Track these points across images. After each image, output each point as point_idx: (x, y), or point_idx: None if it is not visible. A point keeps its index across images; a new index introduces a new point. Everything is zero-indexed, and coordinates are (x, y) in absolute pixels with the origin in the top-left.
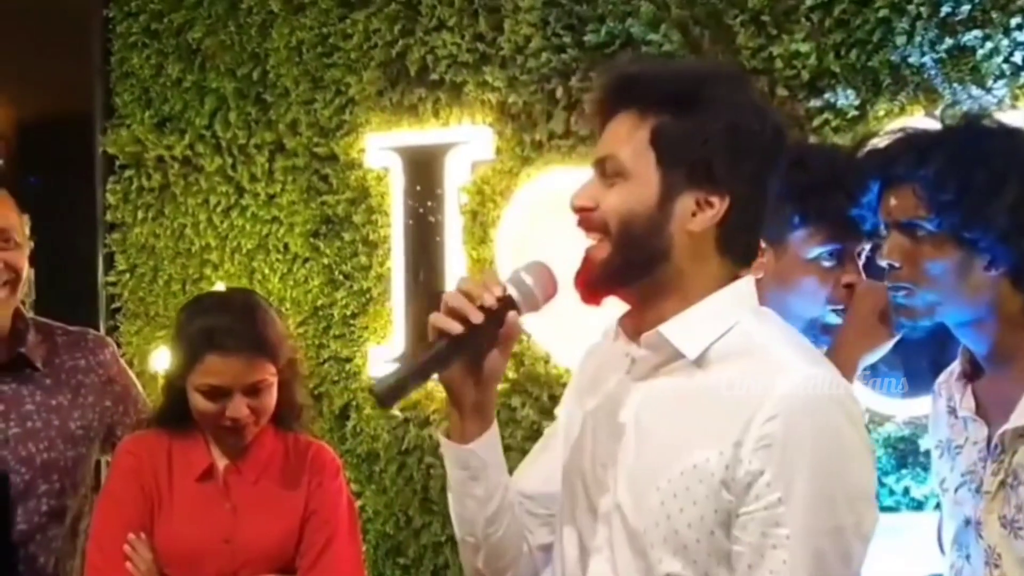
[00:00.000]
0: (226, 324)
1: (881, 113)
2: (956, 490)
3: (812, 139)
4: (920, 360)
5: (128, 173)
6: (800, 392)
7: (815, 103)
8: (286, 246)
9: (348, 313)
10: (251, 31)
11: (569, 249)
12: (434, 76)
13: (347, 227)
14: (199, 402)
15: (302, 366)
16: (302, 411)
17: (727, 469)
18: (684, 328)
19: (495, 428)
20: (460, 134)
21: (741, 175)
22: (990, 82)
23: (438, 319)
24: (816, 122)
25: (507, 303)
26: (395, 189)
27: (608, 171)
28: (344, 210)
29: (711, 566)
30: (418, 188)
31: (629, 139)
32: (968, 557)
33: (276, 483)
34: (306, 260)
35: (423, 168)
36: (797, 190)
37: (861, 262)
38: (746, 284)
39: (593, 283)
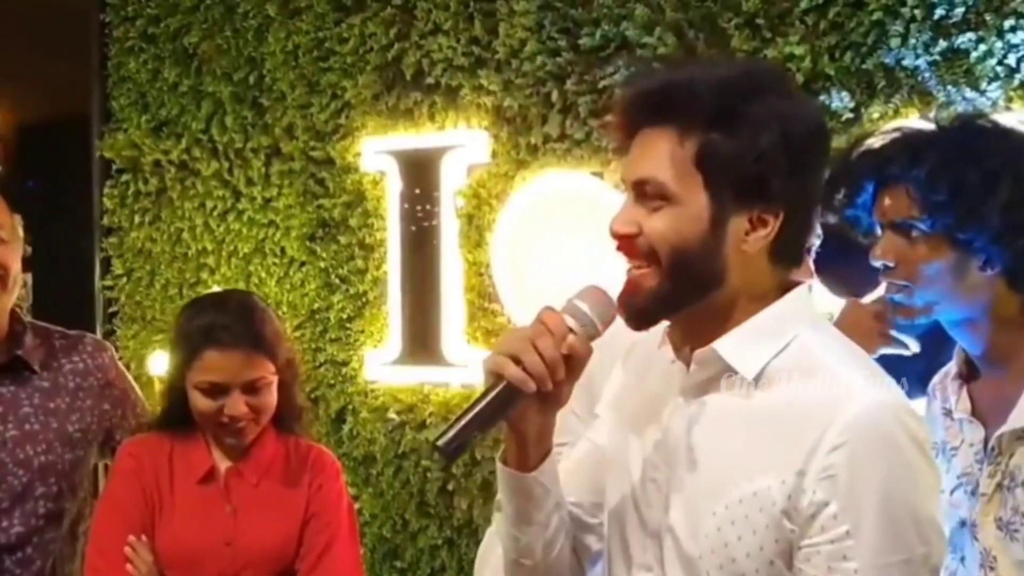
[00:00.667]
0: (224, 321)
1: (876, 115)
2: (952, 492)
3: None
4: (916, 362)
5: (125, 177)
6: (867, 419)
7: None
8: (282, 250)
9: (344, 316)
10: (247, 35)
11: (564, 252)
12: (430, 80)
13: (343, 231)
14: (198, 400)
15: (300, 366)
16: (302, 413)
17: (789, 499)
18: (739, 344)
19: (555, 451)
20: (456, 138)
21: (796, 188)
22: (984, 84)
23: (506, 369)
24: None
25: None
26: (391, 193)
27: (649, 194)
28: (340, 214)
29: None
30: (414, 192)
31: (671, 160)
32: (963, 559)
33: (277, 486)
34: (302, 264)
35: (419, 172)
36: None
37: (811, 257)
38: (802, 294)
39: (641, 312)
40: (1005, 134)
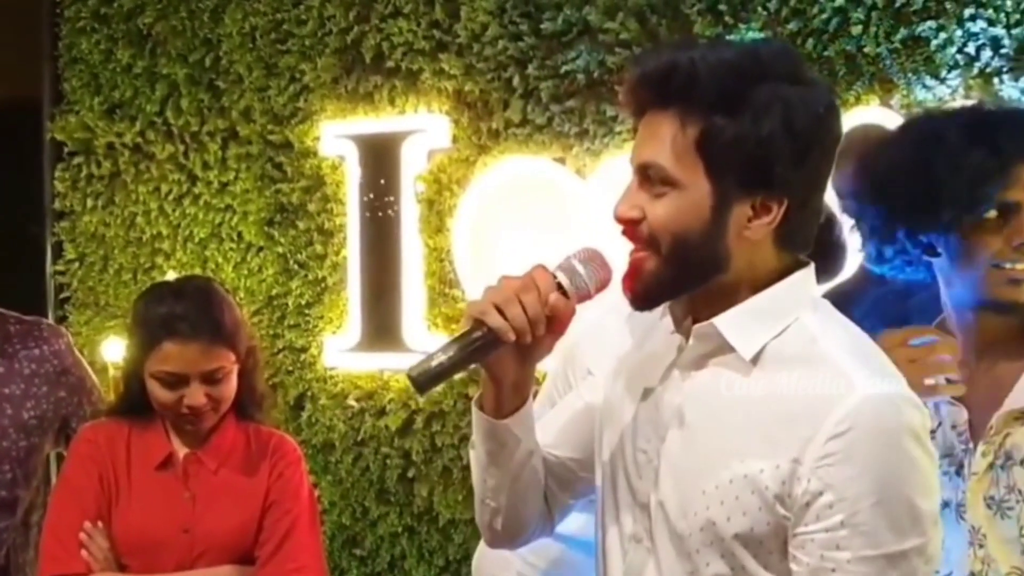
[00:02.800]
0: (182, 311)
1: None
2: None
3: None
4: None
5: (77, 160)
6: (867, 410)
7: None
8: (239, 235)
9: (303, 303)
10: (203, 16)
11: (525, 238)
12: (390, 64)
13: (302, 216)
14: (157, 390)
15: (261, 353)
16: (263, 400)
17: (783, 485)
18: (739, 323)
19: (531, 401)
20: (416, 122)
21: (799, 176)
22: (944, 72)
23: (488, 316)
24: None
25: (557, 290)
26: (350, 177)
27: (653, 179)
28: (299, 198)
29: (760, 572)
30: (374, 177)
31: (672, 144)
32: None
33: (236, 473)
34: (260, 249)
35: (379, 156)
36: None
37: None
38: (804, 276)
39: (644, 294)
40: None
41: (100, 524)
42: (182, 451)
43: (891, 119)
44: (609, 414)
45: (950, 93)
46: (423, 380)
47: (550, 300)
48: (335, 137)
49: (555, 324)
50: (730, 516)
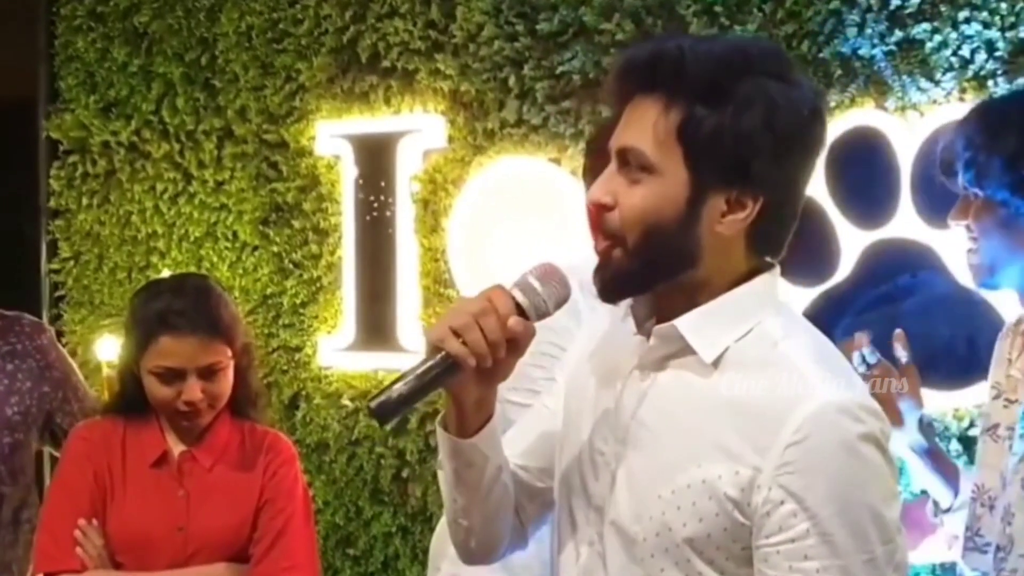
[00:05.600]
0: (180, 306)
1: (832, 105)
2: (1004, 439)
3: None
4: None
5: (72, 159)
6: (826, 417)
7: None
8: (235, 234)
9: (298, 302)
10: (199, 15)
11: (520, 238)
12: (386, 63)
13: (297, 215)
14: (153, 386)
15: (256, 352)
16: (258, 398)
17: (742, 492)
18: (701, 325)
19: (495, 419)
20: (412, 122)
21: (778, 174)
22: (939, 75)
23: (447, 343)
24: None
25: (516, 310)
26: (346, 177)
27: (631, 164)
28: (294, 198)
29: None
30: (369, 176)
31: (654, 130)
32: (991, 507)
33: (231, 471)
34: (255, 248)
35: (374, 156)
36: None
37: None
38: (769, 279)
39: (612, 286)
40: None
41: (95, 522)
42: (177, 449)
43: (886, 122)
44: (569, 416)
45: (945, 96)
46: (383, 412)
47: (509, 323)
48: (330, 137)
49: (516, 346)
50: (686, 522)
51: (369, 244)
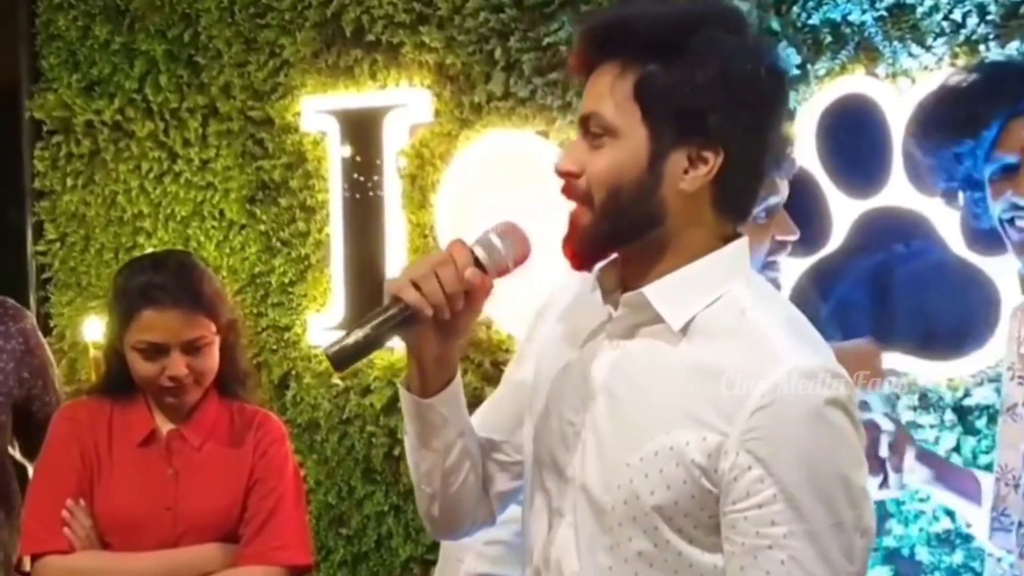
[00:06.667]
0: (161, 280)
1: (822, 72)
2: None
3: None
4: (861, 320)
5: (56, 139)
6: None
7: None
8: (221, 213)
9: (286, 280)
10: None
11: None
12: (370, 37)
13: (284, 192)
14: (137, 362)
15: (244, 329)
16: (246, 378)
17: (710, 457)
18: (669, 293)
19: (458, 380)
20: (398, 96)
21: (736, 126)
22: (930, 40)
23: (405, 292)
24: None
25: (475, 264)
26: (332, 153)
27: (593, 130)
28: (280, 175)
29: (684, 547)
30: (356, 152)
31: (611, 93)
32: (1016, 486)
33: (220, 450)
34: (242, 227)
35: (360, 131)
36: None
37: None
38: (738, 247)
39: (579, 251)
40: None
41: (82, 502)
42: (165, 427)
43: (876, 88)
44: (539, 388)
45: (936, 61)
46: (340, 358)
47: (466, 274)
48: (316, 112)
49: (473, 299)
50: (654, 489)
51: (357, 221)
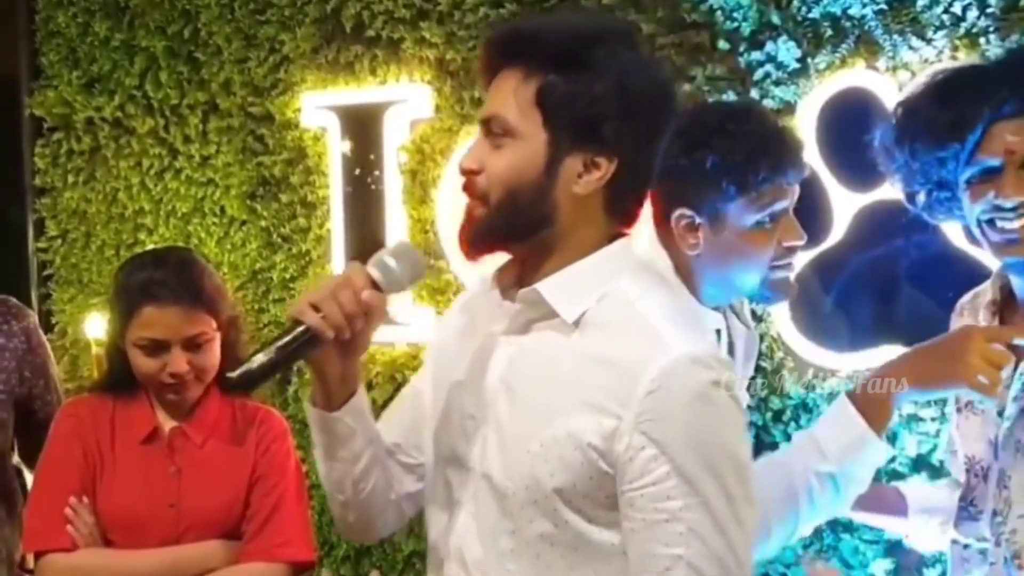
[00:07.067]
0: (161, 276)
1: (822, 66)
2: (982, 411)
3: (754, 93)
4: (862, 314)
5: (57, 136)
6: (678, 367)
7: (756, 56)
8: (222, 209)
9: (287, 276)
10: None
11: None
12: (370, 33)
13: (284, 188)
14: (139, 359)
15: (245, 326)
16: None
17: (605, 440)
18: (562, 288)
19: (361, 392)
20: (398, 92)
21: (629, 137)
22: (930, 33)
23: (306, 315)
24: (757, 75)
25: (371, 286)
26: (333, 149)
27: (495, 131)
28: (281, 171)
29: (583, 527)
30: (356, 148)
31: (515, 98)
32: (984, 477)
33: (223, 447)
34: (243, 223)
35: (361, 127)
36: (728, 162)
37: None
38: (623, 244)
39: (473, 242)
40: None
41: (85, 499)
42: (168, 425)
43: (877, 82)
44: (438, 389)
45: (936, 54)
46: (244, 382)
47: (364, 296)
48: (316, 108)
49: (371, 318)
50: (553, 473)
51: (358, 217)
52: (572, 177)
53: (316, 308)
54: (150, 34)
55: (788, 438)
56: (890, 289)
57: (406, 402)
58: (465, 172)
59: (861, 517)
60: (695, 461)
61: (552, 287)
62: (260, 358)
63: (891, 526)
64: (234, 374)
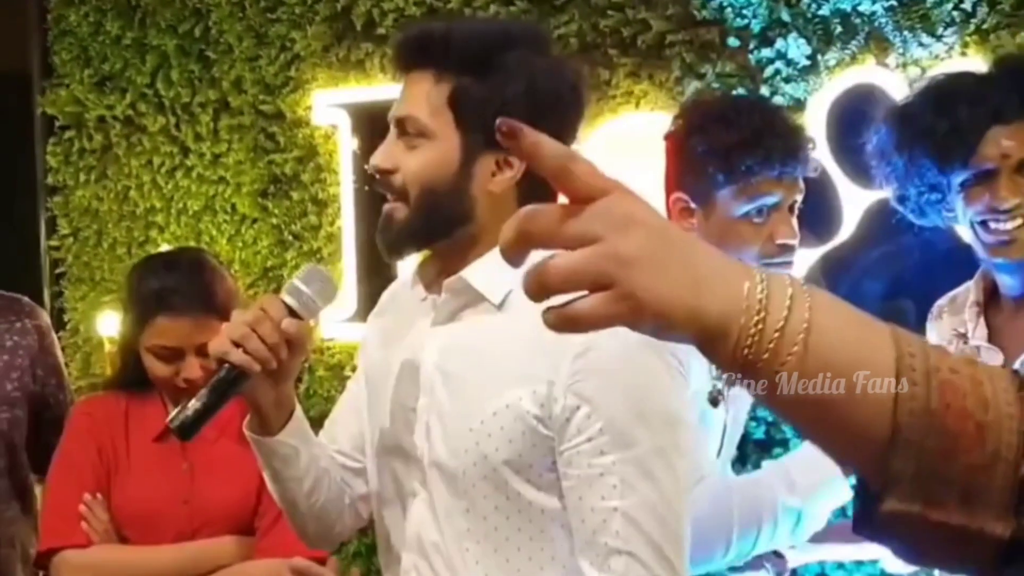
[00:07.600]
0: (174, 284)
1: (832, 63)
2: None
3: (764, 90)
4: (872, 310)
5: (69, 134)
6: (605, 331)
7: (766, 53)
8: (233, 207)
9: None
10: None
11: None
12: (381, 31)
13: (296, 186)
14: (153, 364)
15: None
16: None
17: (542, 407)
18: (486, 273)
19: (297, 411)
20: None
21: None
22: (940, 30)
23: (230, 354)
24: (767, 72)
25: (289, 314)
26: (344, 147)
27: (409, 131)
28: (292, 169)
29: (533, 495)
30: (367, 145)
31: (427, 99)
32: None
33: (235, 443)
34: (254, 221)
35: (372, 125)
36: (721, 149)
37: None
38: None
39: (393, 243)
40: None
41: (99, 496)
42: None
43: (887, 78)
44: (372, 390)
45: (947, 51)
46: (183, 429)
47: (283, 325)
48: (327, 106)
49: (295, 345)
50: (498, 446)
51: (368, 214)
52: (487, 176)
53: (238, 344)
54: (161, 33)
55: (798, 434)
56: (900, 285)
57: (345, 408)
58: (380, 172)
59: (835, 552)
60: (625, 415)
61: (476, 273)
62: (194, 404)
63: (865, 553)
64: (173, 423)
